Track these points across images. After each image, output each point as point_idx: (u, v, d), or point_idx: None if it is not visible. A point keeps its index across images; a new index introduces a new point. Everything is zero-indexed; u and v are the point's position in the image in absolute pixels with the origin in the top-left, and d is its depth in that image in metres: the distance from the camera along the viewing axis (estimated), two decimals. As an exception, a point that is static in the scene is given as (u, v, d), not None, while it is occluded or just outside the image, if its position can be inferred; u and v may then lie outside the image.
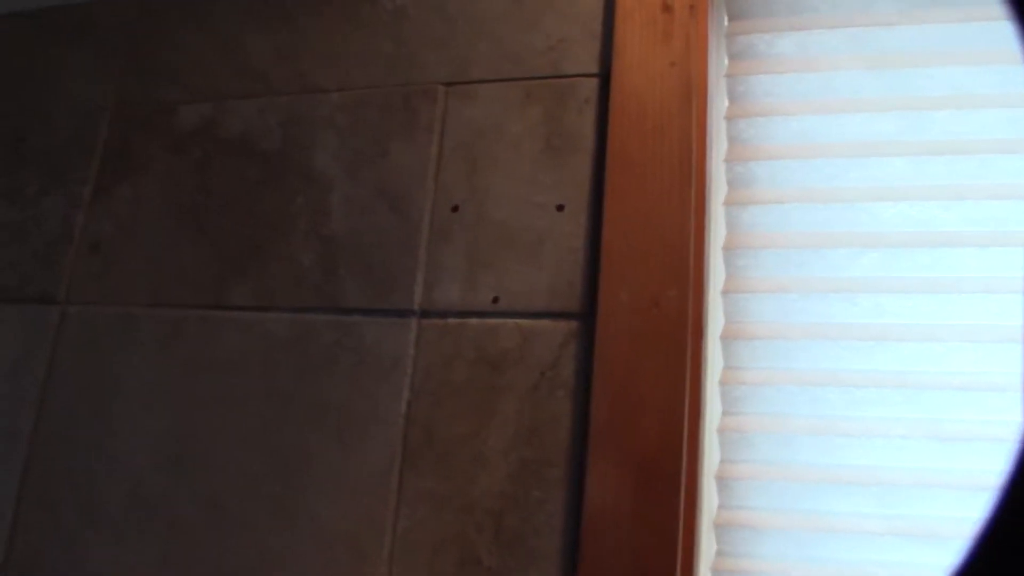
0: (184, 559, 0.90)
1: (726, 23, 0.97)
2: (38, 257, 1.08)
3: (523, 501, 0.82)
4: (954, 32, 0.91)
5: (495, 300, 0.89)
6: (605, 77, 0.93)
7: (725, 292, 0.88)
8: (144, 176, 1.08)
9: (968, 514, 0.78)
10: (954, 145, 0.87)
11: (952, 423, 0.80)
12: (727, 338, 0.87)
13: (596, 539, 0.77)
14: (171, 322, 0.99)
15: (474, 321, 0.89)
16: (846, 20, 0.94)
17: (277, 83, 1.06)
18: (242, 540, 0.89)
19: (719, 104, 0.94)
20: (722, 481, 0.83)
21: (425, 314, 0.91)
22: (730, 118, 0.93)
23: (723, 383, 0.86)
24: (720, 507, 0.83)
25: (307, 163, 1.01)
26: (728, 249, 0.90)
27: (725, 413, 0.86)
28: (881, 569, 0.78)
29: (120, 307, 1.02)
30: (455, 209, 0.93)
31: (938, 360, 0.82)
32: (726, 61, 0.96)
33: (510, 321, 0.88)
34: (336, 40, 1.05)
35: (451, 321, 0.90)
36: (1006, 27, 0.87)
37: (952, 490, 0.79)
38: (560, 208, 0.90)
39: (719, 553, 0.82)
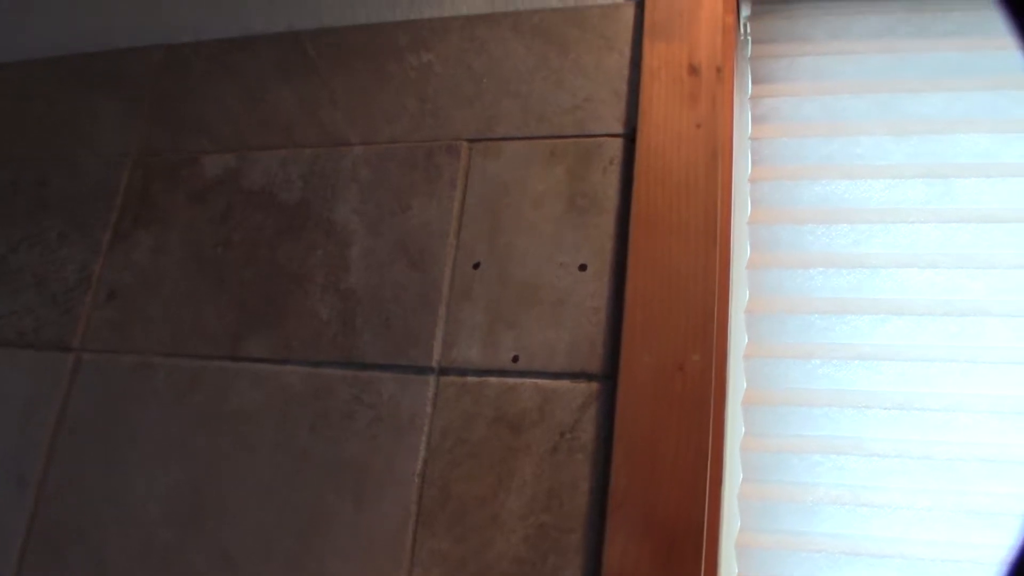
0: (190, 613, 0.89)
1: (750, 86, 0.97)
2: (56, 303, 1.08)
3: (540, 567, 0.80)
4: (981, 100, 0.91)
5: (515, 359, 0.88)
6: (630, 137, 0.93)
7: (747, 356, 0.87)
8: (165, 225, 1.08)
9: (996, 591, 0.76)
10: (981, 213, 0.87)
11: (979, 496, 0.79)
12: (748, 404, 0.86)
13: (614, 609, 0.76)
14: (187, 372, 0.99)
15: (493, 380, 0.88)
16: (872, 86, 0.94)
17: (300, 135, 1.06)
18: (251, 598, 0.87)
19: (743, 167, 0.94)
20: (742, 550, 0.82)
21: (444, 371, 0.90)
22: (754, 181, 0.93)
23: (744, 449, 0.85)
24: (740, 577, 0.81)
25: (328, 216, 1.01)
26: (750, 313, 0.89)
27: (746, 480, 0.84)
28: (906, 647, 0.76)
29: (136, 356, 1.02)
30: (476, 266, 0.93)
31: (964, 431, 0.81)
32: (750, 124, 0.96)
33: (530, 381, 0.87)
34: (361, 94, 1.06)
35: (470, 379, 0.89)
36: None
37: (979, 565, 0.77)
38: (583, 268, 0.89)
39: (739, 625, 0.80)
